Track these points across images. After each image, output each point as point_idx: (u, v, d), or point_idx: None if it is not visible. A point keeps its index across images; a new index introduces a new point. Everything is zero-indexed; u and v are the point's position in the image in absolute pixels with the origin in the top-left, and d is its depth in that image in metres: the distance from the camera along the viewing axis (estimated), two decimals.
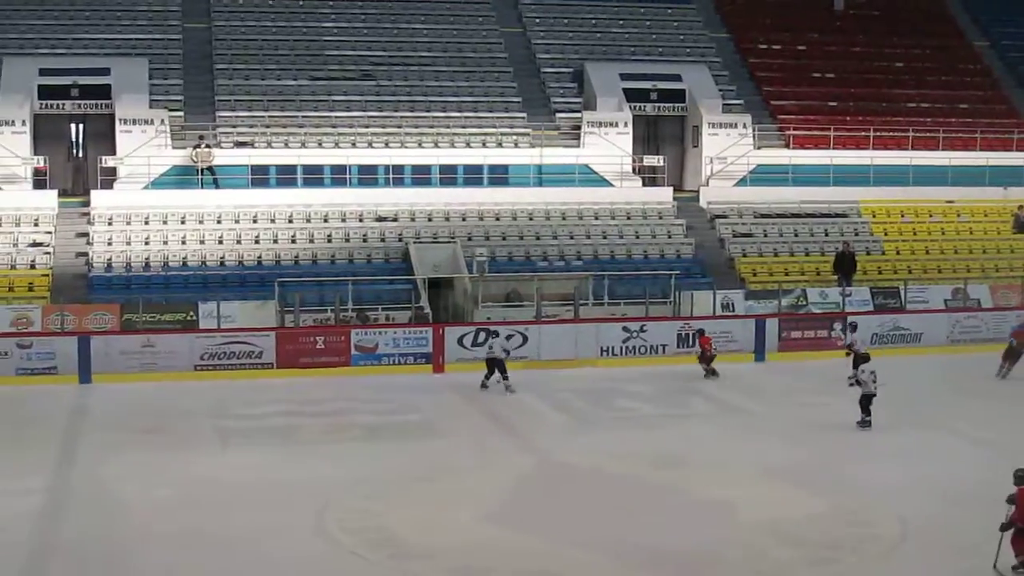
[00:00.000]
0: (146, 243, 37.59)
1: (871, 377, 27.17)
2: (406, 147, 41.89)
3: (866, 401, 27.20)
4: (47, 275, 36.07)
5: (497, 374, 31.09)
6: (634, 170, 43.05)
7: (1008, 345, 32.67)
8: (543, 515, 21.25)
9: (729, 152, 43.17)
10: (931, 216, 43.64)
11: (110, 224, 38.14)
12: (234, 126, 41.57)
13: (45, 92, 41.02)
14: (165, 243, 37.69)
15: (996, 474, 23.99)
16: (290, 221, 39.14)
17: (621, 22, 48.75)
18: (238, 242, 38.07)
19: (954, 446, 26.24)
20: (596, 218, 40.90)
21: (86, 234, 37.91)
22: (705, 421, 28.83)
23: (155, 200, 39.11)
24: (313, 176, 40.77)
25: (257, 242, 38.15)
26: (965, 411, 29.33)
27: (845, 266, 38.84)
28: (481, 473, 24.14)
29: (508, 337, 32.60)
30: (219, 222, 38.67)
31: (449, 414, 29.36)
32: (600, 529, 20.39)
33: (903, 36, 51.02)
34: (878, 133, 45.28)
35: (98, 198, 38.88)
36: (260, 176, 40.44)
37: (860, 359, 29.56)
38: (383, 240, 38.91)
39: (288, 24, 46.10)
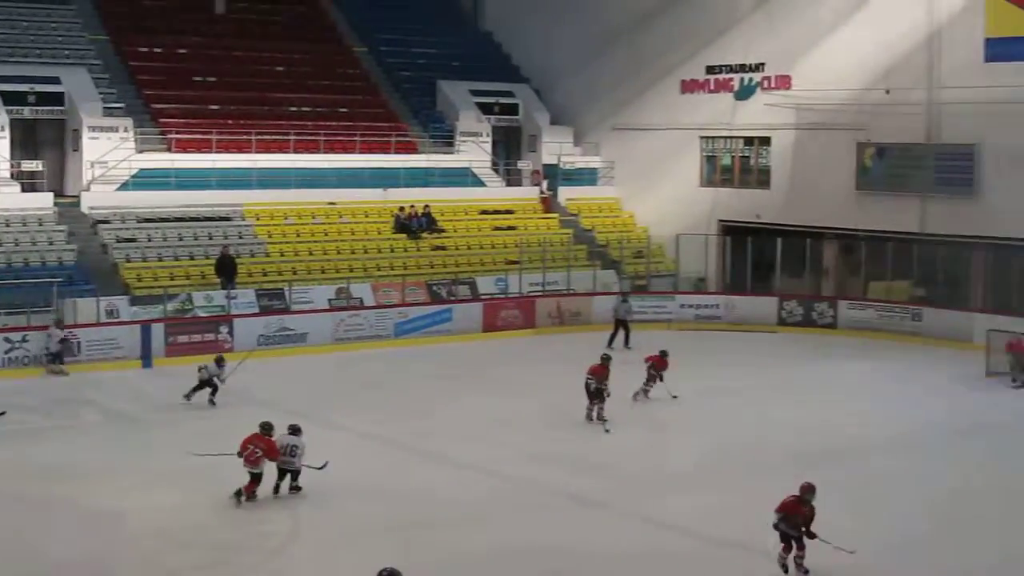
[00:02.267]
0: None
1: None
2: None
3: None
4: None
5: None
6: (13, 176, 41.51)
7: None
8: None
9: (111, 156, 42.39)
10: (314, 218, 44.51)
11: None
12: None
13: None
14: None
15: (383, 463, 25.16)
16: None
17: None
18: None
19: (343, 441, 26.96)
20: None
21: None
22: (94, 430, 28.33)
23: None
24: None
25: None
26: (352, 406, 30.13)
27: (226, 269, 39.02)
28: None
29: None
30: None
31: None
32: None
33: (284, 40, 51.77)
34: (260, 136, 45.74)
35: None
36: None
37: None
38: None
39: None
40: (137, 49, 48.63)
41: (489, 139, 50.91)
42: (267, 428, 22.66)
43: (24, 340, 34.03)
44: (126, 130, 43.15)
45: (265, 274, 40.74)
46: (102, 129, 42.77)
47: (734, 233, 47.10)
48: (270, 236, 42.78)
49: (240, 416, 28.77)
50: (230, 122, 46.36)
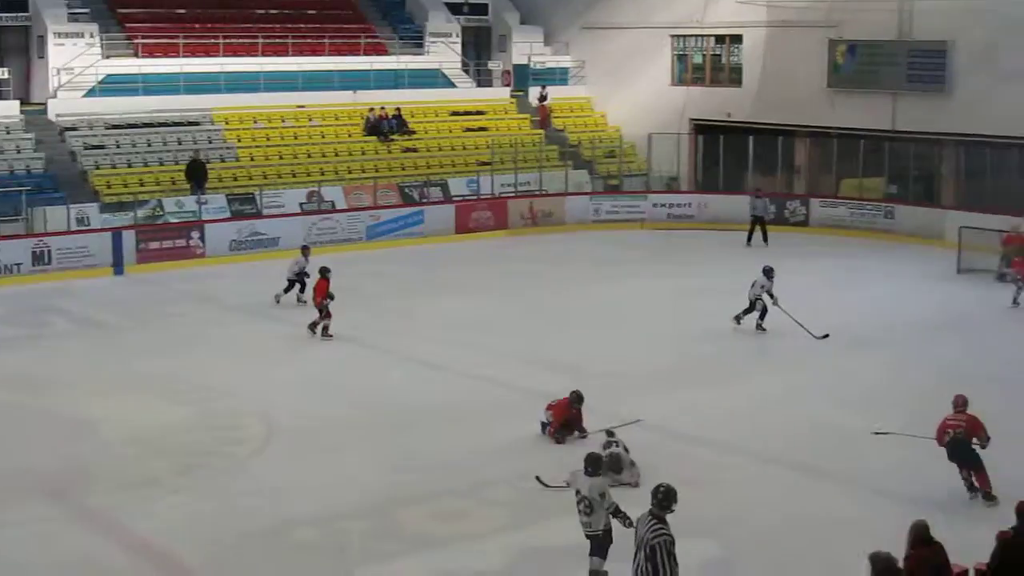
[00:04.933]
0: None
1: None
2: None
3: None
4: None
5: None
6: None
7: None
8: None
9: (77, 62, 41.93)
10: (283, 121, 44.20)
11: None
12: None
13: None
14: None
15: (359, 367, 25.12)
16: None
17: None
18: None
19: (320, 345, 26.98)
20: None
21: None
22: (67, 339, 28.19)
23: None
24: None
25: None
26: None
27: (197, 174, 38.76)
28: None
29: None
30: None
31: None
32: None
33: None
34: (228, 40, 45.27)
35: None
36: None
37: None
38: None
39: None
40: None
41: (459, 40, 50.49)
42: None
43: None
44: (92, 36, 42.61)
45: (235, 179, 40.51)
46: (68, 35, 42.22)
47: (706, 132, 46.92)
48: (239, 140, 42.47)
49: (213, 322, 28.84)
50: (197, 26, 45.81)
